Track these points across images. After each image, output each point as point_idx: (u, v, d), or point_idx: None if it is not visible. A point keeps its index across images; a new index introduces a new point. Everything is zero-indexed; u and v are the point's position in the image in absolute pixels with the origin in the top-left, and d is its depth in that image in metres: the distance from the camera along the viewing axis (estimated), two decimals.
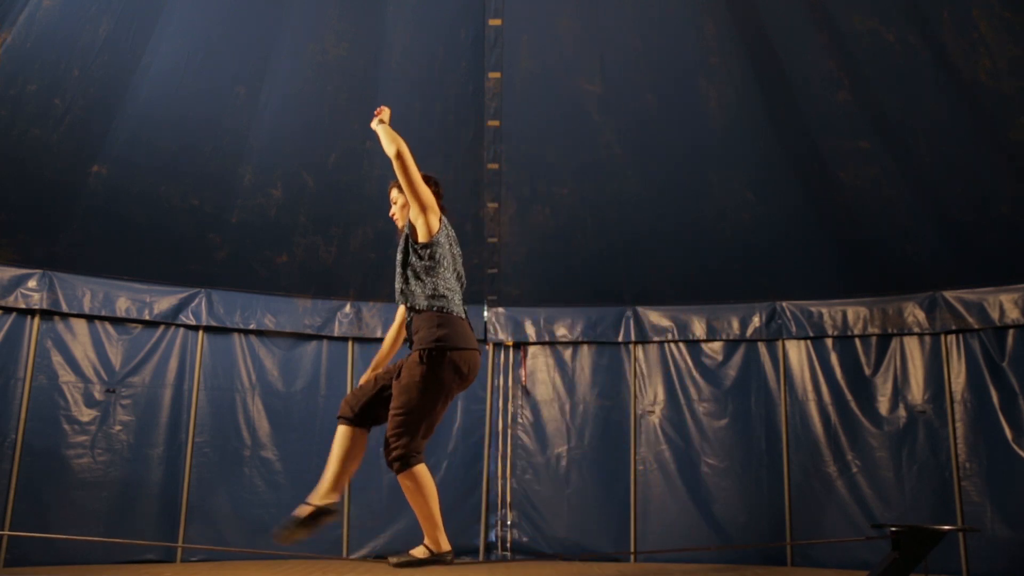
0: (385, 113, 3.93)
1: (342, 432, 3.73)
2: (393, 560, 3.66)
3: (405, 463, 3.51)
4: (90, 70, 5.83)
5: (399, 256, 3.83)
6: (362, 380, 4.06)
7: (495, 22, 6.31)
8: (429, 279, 3.70)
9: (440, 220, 3.82)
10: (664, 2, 6.16)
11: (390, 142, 3.74)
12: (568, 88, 6.55)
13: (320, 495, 3.59)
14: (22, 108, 5.82)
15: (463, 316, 3.71)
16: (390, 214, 4.06)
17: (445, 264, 3.76)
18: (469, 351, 3.64)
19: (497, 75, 6.51)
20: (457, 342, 3.59)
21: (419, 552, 3.67)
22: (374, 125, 3.90)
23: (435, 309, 3.64)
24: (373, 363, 4.06)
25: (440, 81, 6.57)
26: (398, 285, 3.79)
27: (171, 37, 5.97)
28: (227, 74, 6.24)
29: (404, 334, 3.90)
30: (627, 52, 6.36)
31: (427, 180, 3.90)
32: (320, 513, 3.57)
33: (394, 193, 4.03)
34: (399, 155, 3.68)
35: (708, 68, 6.28)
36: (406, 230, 3.85)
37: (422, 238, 3.74)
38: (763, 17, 5.99)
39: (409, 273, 3.74)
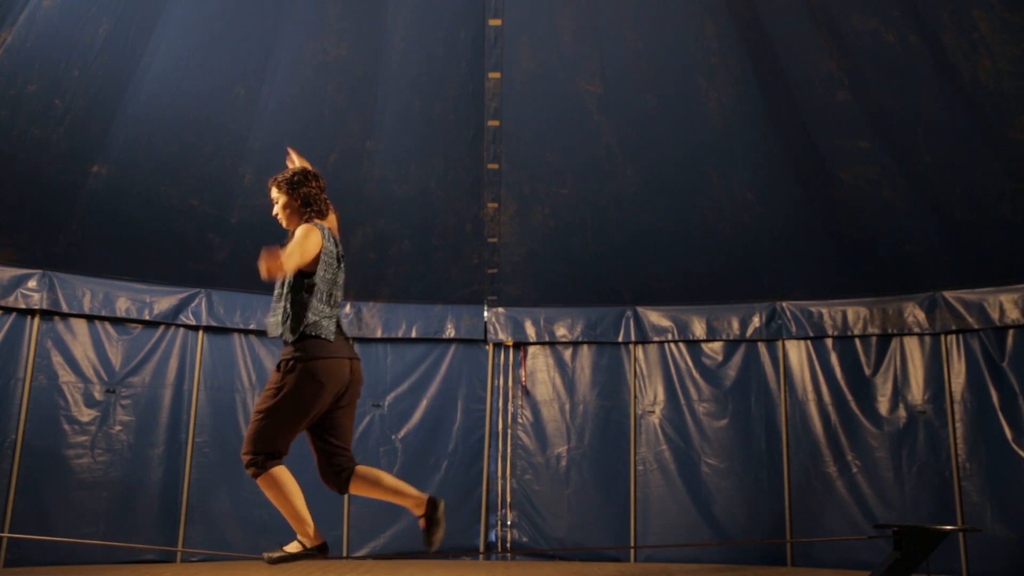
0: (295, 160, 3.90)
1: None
2: (267, 556, 3.68)
3: (260, 467, 3.54)
4: (90, 70, 5.83)
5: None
6: None
7: (495, 22, 6.31)
8: (298, 303, 3.67)
9: (320, 242, 3.70)
10: (664, 2, 6.16)
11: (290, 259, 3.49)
12: (568, 88, 6.54)
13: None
14: (22, 108, 5.81)
15: (330, 337, 3.67)
16: (273, 213, 3.97)
17: (318, 291, 3.70)
18: (330, 359, 3.63)
19: (497, 75, 6.50)
20: (315, 352, 3.60)
21: (293, 547, 3.71)
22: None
23: (302, 331, 3.64)
24: None
25: (440, 81, 6.57)
26: (273, 304, 3.77)
27: (171, 37, 5.97)
28: (227, 74, 6.24)
29: None
30: (627, 52, 6.36)
31: (311, 177, 3.89)
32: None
33: (273, 192, 3.93)
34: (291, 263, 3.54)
35: (708, 68, 6.28)
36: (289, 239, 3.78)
37: (303, 270, 3.70)
38: (763, 17, 5.98)
39: (284, 293, 3.71)
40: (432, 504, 3.72)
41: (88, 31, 5.70)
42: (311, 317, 3.64)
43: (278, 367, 3.63)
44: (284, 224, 3.93)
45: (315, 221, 3.80)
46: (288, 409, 3.57)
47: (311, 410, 3.60)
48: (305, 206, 3.85)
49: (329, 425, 3.68)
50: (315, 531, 3.71)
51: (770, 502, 6.79)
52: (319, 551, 3.72)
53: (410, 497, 3.74)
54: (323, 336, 3.64)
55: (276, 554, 3.68)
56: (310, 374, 3.58)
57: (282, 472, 3.59)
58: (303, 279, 3.68)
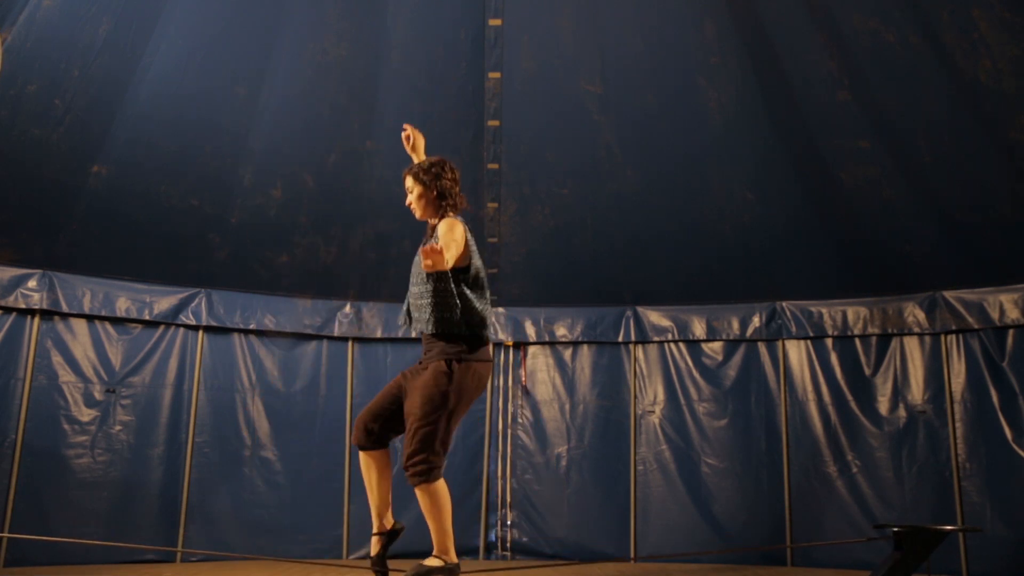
0: (419, 143, 3.80)
1: (362, 460, 3.79)
2: (408, 573, 3.63)
3: (427, 477, 3.48)
4: (90, 70, 5.83)
5: (419, 272, 3.69)
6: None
7: (495, 22, 6.31)
8: (456, 299, 3.61)
9: (465, 239, 3.65)
10: (664, 2, 6.16)
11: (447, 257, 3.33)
12: (568, 88, 6.54)
13: (376, 527, 3.79)
14: (22, 108, 5.81)
15: (492, 337, 3.76)
16: (406, 203, 3.89)
17: (479, 281, 3.69)
18: (488, 363, 3.65)
19: (497, 75, 6.50)
20: (481, 355, 3.61)
21: (432, 562, 3.66)
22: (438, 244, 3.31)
23: (457, 324, 3.59)
24: None
25: (440, 81, 6.57)
26: (413, 301, 3.67)
27: (171, 37, 5.97)
28: (227, 74, 6.24)
29: None
30: (627, 52, 6.36)
31: (448, 169, 3.83)
32: (388, 537, 3.78)
33: (409, 182, 3.84)
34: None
35: (708, 68, 6.28)
36: (431, 233, 3.71)
37: (456, 265, 3.60)
38: (763, 17, 5.99)
39: (431, 292, 3.62)
40: (392, 534, 3.80)
41: (88, 31, 5.69)
42: (478, 308, 3.61)
43: (447, 364, 3.52)
44: (418, 215, 3.87)
45: (451, 214, 3.75)
46: (458, 407, 3.53)
47: (466, 409, 3.61)
48: (441, 198, 3.78)
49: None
50: (453, 548, 3.68)
51: (770, 502, 6.79)
52: (456, 569, 3.69)
53: (384, 516, 3.79)
54: (486, 334, 3.61)
55: (417, 570, 3.61)
56: (476, 374, 3.55)
57: (443, 485, 3.53)
58: (457, 273, 3.62)
